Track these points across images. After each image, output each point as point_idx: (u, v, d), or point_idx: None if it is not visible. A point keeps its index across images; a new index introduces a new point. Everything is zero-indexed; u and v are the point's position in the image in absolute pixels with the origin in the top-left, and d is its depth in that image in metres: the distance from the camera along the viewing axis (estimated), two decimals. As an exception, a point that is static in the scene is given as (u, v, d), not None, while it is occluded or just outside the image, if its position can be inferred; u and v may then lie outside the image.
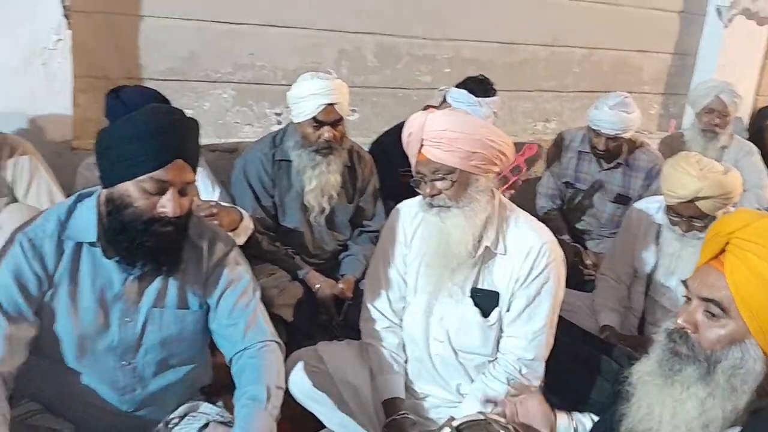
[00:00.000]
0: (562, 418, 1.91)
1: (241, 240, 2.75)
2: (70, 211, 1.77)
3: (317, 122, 2.78)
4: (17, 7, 2.78)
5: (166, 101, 2.79)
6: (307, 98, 2.74)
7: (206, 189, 2.89)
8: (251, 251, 2.87)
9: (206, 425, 1.87)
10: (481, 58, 4.19)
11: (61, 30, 2.85)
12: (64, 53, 2.88)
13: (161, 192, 1.66)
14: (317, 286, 2.89)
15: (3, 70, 2.77)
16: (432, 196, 2.05)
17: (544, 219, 3.82)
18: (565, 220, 3.82)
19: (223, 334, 1.88)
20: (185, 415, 1.92)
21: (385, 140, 3.45)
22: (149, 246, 1.69)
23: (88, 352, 1.76)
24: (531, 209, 3.81)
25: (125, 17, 3.20)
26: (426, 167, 2.04)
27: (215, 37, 3.42)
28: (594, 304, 2.96)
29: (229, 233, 2.63)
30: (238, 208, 2.75)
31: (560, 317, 2.57)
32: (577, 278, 3.44)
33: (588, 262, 3.54)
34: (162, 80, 3.32)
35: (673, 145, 4.06)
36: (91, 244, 1.73)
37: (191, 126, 1.75)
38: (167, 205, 1.65)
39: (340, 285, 2.90)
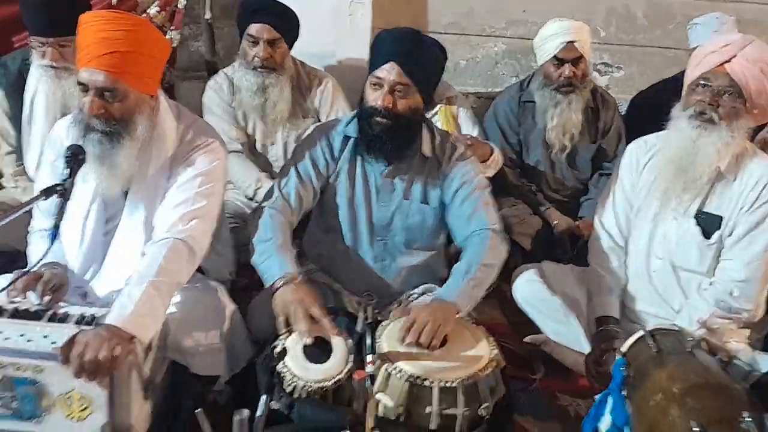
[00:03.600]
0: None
1: (490, 172, 3.15)
2: (354, 116, 2.32)
3: (558, 60, 3.07)
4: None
5: (443, 50, 3.26)
6: (549, 39, 3.05)
7: (467, 127, 3.32)
8: (499, 184, 3.25)
9: (435, 302, 2.32)
10: (766, 20, 3.99)
11: (365, -13, 3.46)
12: (366, 7, 3.50)
13: (379, 88, 2.14)
14: (555, 221, 3.16)
15: (320, 19, 3.43)
16: (710, 104, 2.16)
17: None
18: None
19: (453, 224, 2.32)
20: (423, 293, 2.38)
21: (647, 93, 3.56)
22: (369, 134, 2.20)
23: (356, 225, 2.33)
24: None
25: (418, -24, 3.74)
26: (721, 80, 2.14)
27: (494, -6, 3.81)
28: None
29: (481, 164, 3.05)
30: (490, 144, 3.14)
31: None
32: None
33: None
34: (443, 33, 3.81)
35: None
36: (356, 140, 2.28)
37: (416, 40, 2.19)
38: (379, 99, 2.14)
39: (577, 222, 3.14)
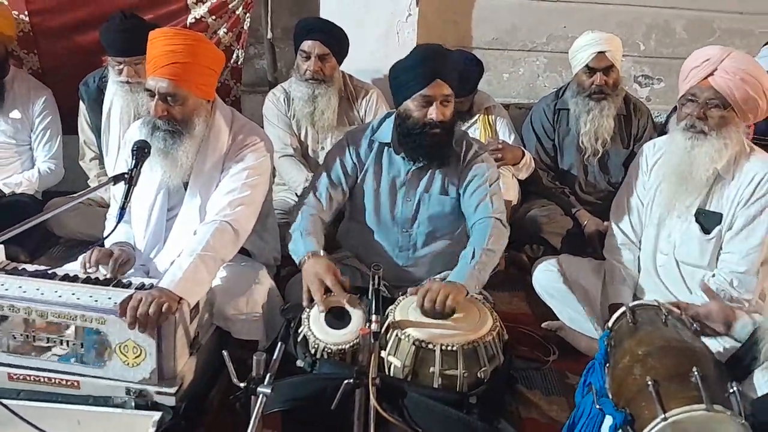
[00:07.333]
0: (743, 318, 2.07)
1: (522, 175, 3.38)
2: (381, 122, 2.61)
3: (590, 69, 3.25)
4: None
5: (480, 64, 3.52)
6: (581, 49, 3.25)
7: (504, 134, 3.56)
8: (532, 187, 3.47)
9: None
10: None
11: (412, 7, 3.75)
12: (413, 25, 3.77)
13: (428, 105, 2.36)
14: (585, 222, 3.33)
15: (371, 37, 3.75)
16: (698, 118, 2.32)
17: None
18: None
19: (465, 213, 2.54)
20: (444, 278, 2.61)
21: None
22: (425, 145, 2.42)
23: (381, 219, 2.60)
24: None
25: (463, -4, 4.00)
26: (706, 93, 2.30)
27: (535, 12, 4.05)
28: None
29: (513, 166, 3.28)
30: (522, 148, 3.36)
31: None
32: None
33: None
34: (487, 49, 4.07)
35: None
36: (387, 144, 2.53)
37: (446, 54, 2.42)
38: (433, 113, 2.36)
39: (606, 223, 3.29)
